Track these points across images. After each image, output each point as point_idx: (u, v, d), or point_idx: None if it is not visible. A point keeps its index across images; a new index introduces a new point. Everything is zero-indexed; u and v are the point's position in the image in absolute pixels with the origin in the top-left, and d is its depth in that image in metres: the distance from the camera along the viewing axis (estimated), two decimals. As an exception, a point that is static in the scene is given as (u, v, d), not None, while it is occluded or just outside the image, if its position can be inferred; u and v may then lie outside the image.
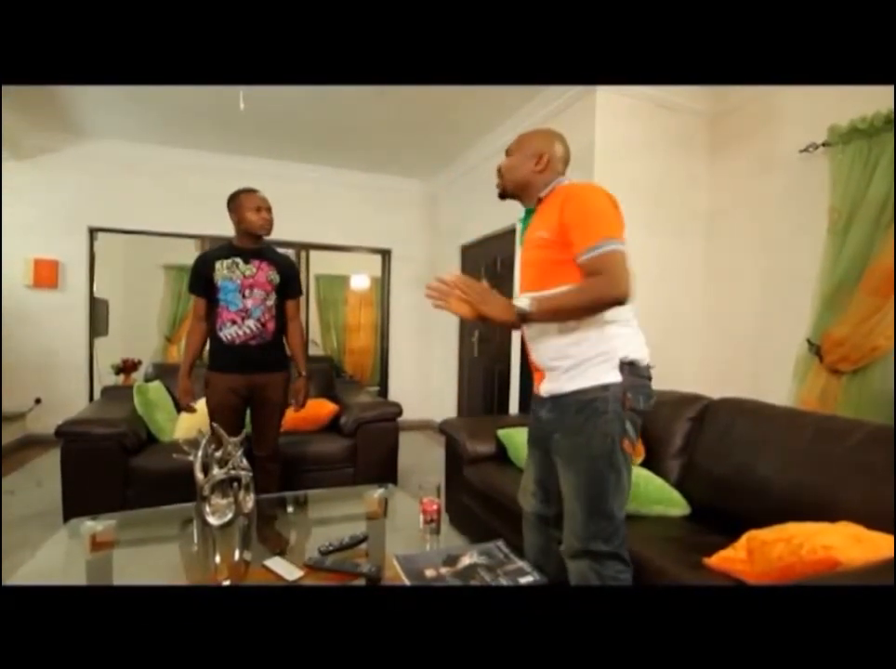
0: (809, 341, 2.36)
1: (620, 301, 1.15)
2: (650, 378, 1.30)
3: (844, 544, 1.11)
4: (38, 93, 3.30)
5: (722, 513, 1.68)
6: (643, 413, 1.28)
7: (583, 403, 1.24)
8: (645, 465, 1.94)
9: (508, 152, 1.45)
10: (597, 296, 1.16)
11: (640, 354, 1.26)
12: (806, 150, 2.45)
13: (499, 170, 1.45)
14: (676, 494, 1.79)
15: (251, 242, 2.12)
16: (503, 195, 1.47)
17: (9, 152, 3.85)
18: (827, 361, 2.28)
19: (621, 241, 1.19)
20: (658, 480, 1.81)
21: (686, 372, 3.03)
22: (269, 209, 2.12)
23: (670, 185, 3.04)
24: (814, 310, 2.36)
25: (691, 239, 3.11)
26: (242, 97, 2.94)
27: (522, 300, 1.23)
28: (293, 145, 4.29)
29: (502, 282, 4.01)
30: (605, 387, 1.22)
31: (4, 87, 3.00)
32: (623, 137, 2.91)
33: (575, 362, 1.25)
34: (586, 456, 1.24)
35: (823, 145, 2.36)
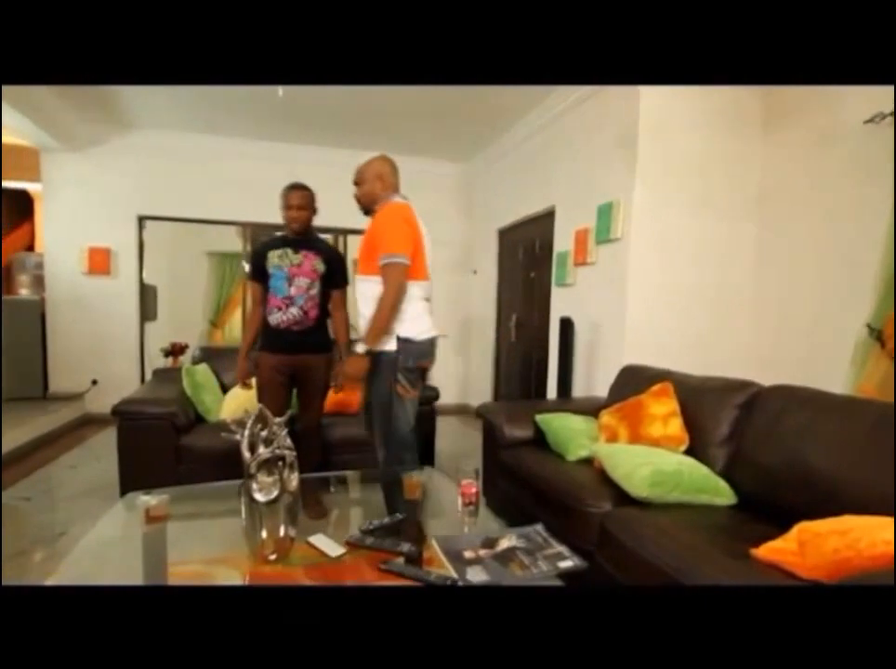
0: (869, 326, 2.23)
1: (401, 296, 1.83)
2: (431, 344, 2.04)
3: (908, 540, 1.05)
4: (86, 87, 3.42)
5: (771, 504, 1.62)
6: (415, 369, 1.95)
7: (378, 359, 1.89)
8: (689, 452, 1.89)
9: (356, 183, 2.01)
10: (389, 303, 1.81)
11: (413, 333, 1.90)
12: (871, 120, 2.28)
13: (356, 198, 2.03)
14: (722, 483, 1.73)
15: (297, 233, 2.20)
16: (366, 212, 2.04)
17: (66, 144, 4.06)
18: (889, 347, 2.15)
19: (401, 254, 1.81)
20: (704, 469, 1.75)
21: (734, 358, 2.92)
22: (300, 207, 2.18)
23: (720, 162, 2.90)
24: (876, 293, 2.22)
25: (742, 219, 2.96)
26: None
27: (360, 345, 1.86)
28: (330, 131, 4.32)
29: (541, 265, 3.94)
30: (386, 352, 1.87)
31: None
32: (669, 111, 2.79)
33: None
34: (377, 392, 1.92)
35: (892, 114, 2.20)
